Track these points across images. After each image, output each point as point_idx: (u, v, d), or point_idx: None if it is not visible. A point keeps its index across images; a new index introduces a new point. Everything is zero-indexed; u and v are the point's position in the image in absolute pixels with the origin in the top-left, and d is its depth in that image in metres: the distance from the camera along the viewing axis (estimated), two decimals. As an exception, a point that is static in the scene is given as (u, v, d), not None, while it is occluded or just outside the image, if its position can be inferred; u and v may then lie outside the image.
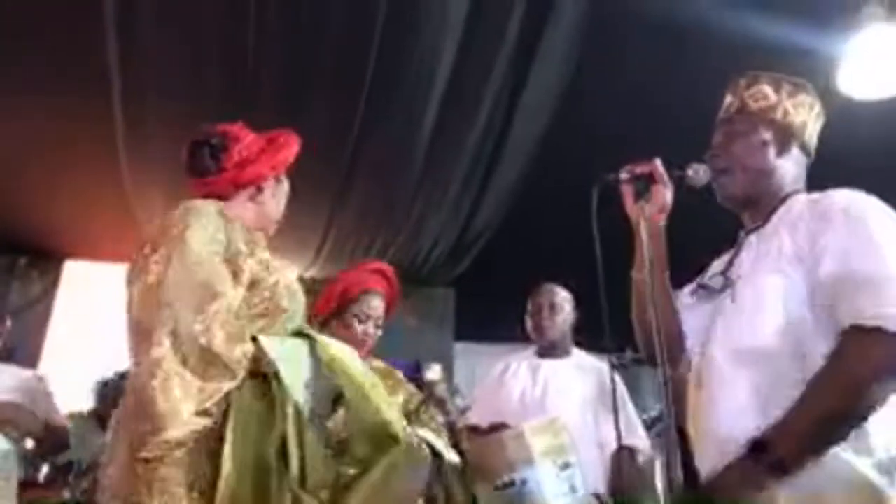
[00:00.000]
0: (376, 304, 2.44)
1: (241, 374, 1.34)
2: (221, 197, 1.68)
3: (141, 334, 1.33)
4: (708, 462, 1.35)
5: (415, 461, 1.44)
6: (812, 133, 1.62)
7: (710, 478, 1.30)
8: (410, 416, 2.33)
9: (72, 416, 3.89)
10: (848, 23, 3.00)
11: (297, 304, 1.60)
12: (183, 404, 1.26)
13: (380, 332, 2.45)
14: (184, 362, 1.28)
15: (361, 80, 3.30)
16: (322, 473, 1.31)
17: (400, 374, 2.48)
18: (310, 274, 5.09)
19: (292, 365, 1.39)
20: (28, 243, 5.12)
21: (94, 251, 5.11)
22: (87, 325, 4.85)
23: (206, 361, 1.30)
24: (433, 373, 5.25)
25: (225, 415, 1.31)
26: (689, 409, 1.52)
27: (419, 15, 3.00)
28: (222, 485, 1.26)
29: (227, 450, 1.28)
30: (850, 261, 1.31)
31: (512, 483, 1.89)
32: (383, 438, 1.38)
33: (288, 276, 1.62)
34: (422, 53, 3.18)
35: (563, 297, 3.03)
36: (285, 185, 1.85)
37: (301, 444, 1.30)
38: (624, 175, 1.55)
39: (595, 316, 2.94)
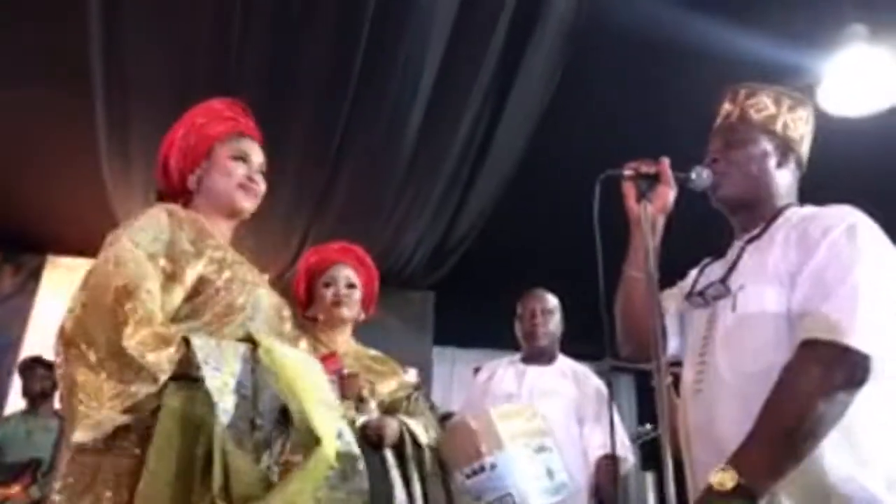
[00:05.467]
0: (345, 273, 2.41)
1: (163, 377, 1.30)
2: (184, 204, 1.68)
3: (59, 337, 1.32)
4: (702, 471, 1.34)
5: (345, 470, 1.36)
6: (807, 148, 1.63)
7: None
8: (398, 403, 2.31)
9: (11, 418, 3.85)
10: (830, 41, 3.04)
11: (255, 299, 1.57)
12: (94, 407, 1.25)
13: (357, 294, 2.41)
14: (99, 365, 1.26)
15: (346, 84, 3.29)
16: (248, 484, 1.26)
17: (395, 365, 2.45)
18: (289, 275, 5.05)
19: (223, 370, 1.34)
20: (9, 238, 5.05)
21: (75, 246, 5.05)
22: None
23: (122, 364, 1.27)
24: (409, 376, 5.20)
25: (153, 416, 1.29)
26: (681, 416, 1.52)
27: (405, 23, 3.00)
28: (142, 485, 1.25)
29: (151, 452, 1.27)
30: (820, 281, 1.32)
31: (482, 469, 1.82)
32: (306, 446, 1.32)
33: (244, 270, 1.58)
34: (407, 59, 3.17)
35: (554, 304, 3.07)
36: (220, 155, 1.72)
37: (224, 454, 1.26)
38: (628, 172, 1.55)
39: (574, 321, 2.96)
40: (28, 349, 5.01)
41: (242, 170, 1.72)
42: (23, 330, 5.06)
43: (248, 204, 1.72)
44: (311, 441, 1.30)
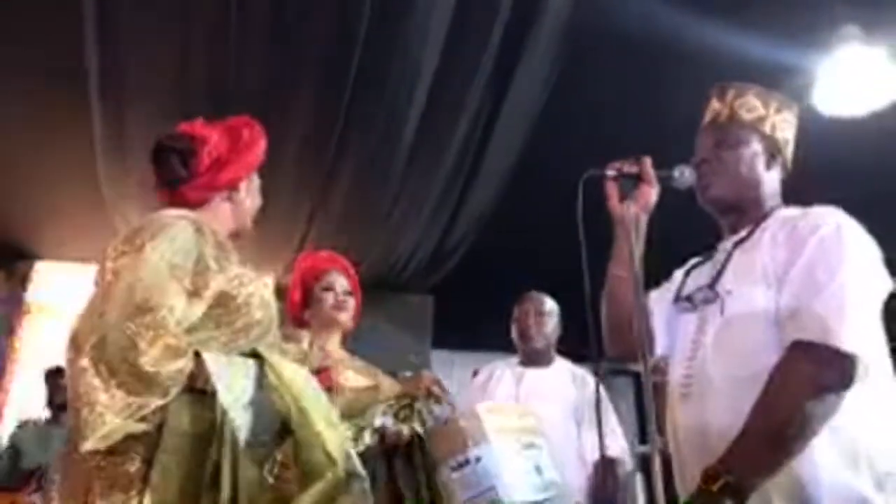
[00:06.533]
0: (341, 281, 2.48)
1: (174, 390, 1.31)
2: (196, 202, 1.64)
3: (72, 343, 1.31)
4: (691, 472, 1.34)
5: (353, 490, 1.37)
6: (791, 151, 1.63)
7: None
8: (400, 411, 2.31)
9: (24, 425, 3.85)
10: (823, 41, 3.05)
11: (270, 313, 1.59)
12: (106, 417, 1.25)
13: (352, 302, 2.47)
14: (110, 375, 1.26)
15: (344, 87, 3.29)
16: (256, 499, 1.28)
17: (376, 370, 2.43)
18: (287, 280, 5.03)
19: (233, 385, 1.36)
20: (0, 244, 5.04)
21: (68, 252, 5.04)
22: (59, 325, 4.77)
23: (132, 376, 1.27)
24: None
25: (160, 429, 1.30)
26: (670, 420, 1.52)
27: (401, 27, 3.01)
28: (146, 500, 1.26)
29: (157, 466, 1.27)
30: (810, 278, 1.32)
31: (466, 462, 1.82)
32: (320, 465, 1.34)
33: (261, 286, 1.59)
34: (403, 61, 3.18)
35: (551, 307, 3.07)
36: (257, 180, 1.80)
37: (234, 469, 1.27)
38: (611, 172, 1.55)
39: (573, 324, 2.97)
40: (20, 355, 5.01)
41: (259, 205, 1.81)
42: (14, 335, 5.05)
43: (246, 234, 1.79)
44: (327, 461, 1.33)
